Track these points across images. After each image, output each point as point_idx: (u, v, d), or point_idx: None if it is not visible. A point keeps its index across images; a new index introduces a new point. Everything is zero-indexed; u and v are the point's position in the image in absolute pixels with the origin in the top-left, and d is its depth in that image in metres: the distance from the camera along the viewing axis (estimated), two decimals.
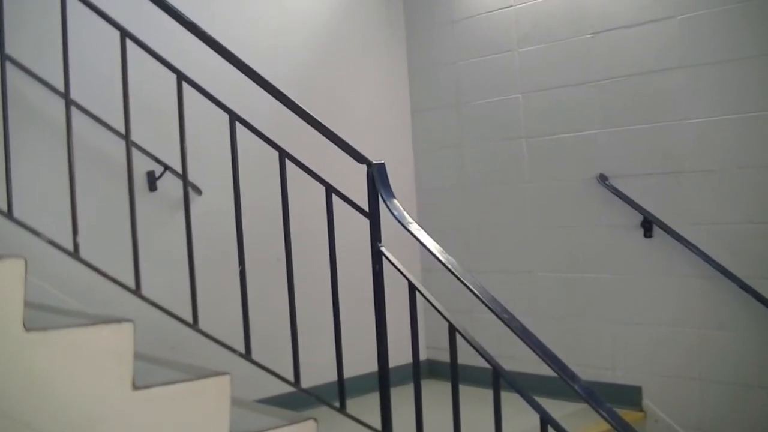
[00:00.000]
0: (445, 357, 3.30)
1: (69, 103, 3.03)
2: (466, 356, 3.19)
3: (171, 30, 3.32)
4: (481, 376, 3.47)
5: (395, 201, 3.43)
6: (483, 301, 3.06)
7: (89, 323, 2.42)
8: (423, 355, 5.84)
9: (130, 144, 3.09)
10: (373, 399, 3.47)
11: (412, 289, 3.25)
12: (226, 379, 2.70)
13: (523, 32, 5.61)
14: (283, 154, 3.34)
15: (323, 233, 3.45)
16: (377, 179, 3.43)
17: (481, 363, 3.06)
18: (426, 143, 6.37)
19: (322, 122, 3.35)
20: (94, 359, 2.38)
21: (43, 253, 2.94)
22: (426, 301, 3.23)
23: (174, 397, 2.55)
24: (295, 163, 3.35)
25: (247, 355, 3.25)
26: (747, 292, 4.49)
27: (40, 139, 4.13)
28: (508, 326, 2.97)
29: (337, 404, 3.45)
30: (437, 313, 3.18)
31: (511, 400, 3.04)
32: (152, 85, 3.74)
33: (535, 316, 5.35)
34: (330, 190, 3.43)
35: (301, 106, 3.31)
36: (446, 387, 3.19)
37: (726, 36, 4.64)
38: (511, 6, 5.67)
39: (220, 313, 3.42)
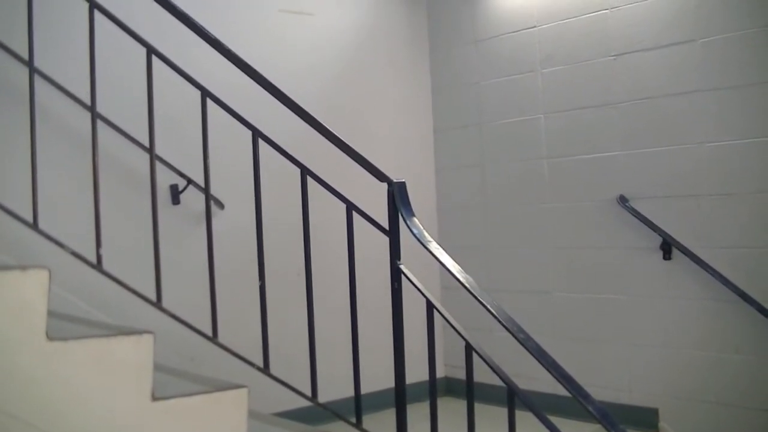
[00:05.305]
0: (462, 375, 3.31)
1: (95, 116, 3.08)
2: (483, 374, 3.19)
3: (194, 48, 3.37)
4: (497, 394, 3.46)
5: (415, 219, 3.44)
6: (500, 321, 3.06)
7: (110, 334, 2.46)
8: (440, 373, 5.85)
9: (154, 157, 3.14)
10: (390, 415, 3.49)
11: (430, 307, 3.26)
12: (243, 392, 2.71)
13: (546, 53, 5.63)
14: (305, 171, 3.37)
15: (343, 249, 3.47)
16: (398, 198, 3.44)
17: (498, 381, 3.07)
18: (447, 162, 6.39)
19: (344, 141, 3.38)
20: (114, 370, 2.41)
21: (67, 264, 2.98)
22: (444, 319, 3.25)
23: (192, 409, 2.58)
24: (317, 180, 3.38)
25: (265, 368, 3.28)
26: (765, 316, 4.47)
27: (65, 152, 4.17)
28: (524, 346, 2.98)
29: (353, 420, 3.46)
30: (455, 330, 3.19)
31: (526, 420, 3.04)
32: (176, 100, 3.79)
33: (552, 336, 5.36)
34: (351, 207, 3.45)
35: (323, 124, 3.34)
36: (462, 405, 3.21)
37: (747, 60, 4.64)
38: (535, 27, 5.69)
39: (240, 327, 3.45)
